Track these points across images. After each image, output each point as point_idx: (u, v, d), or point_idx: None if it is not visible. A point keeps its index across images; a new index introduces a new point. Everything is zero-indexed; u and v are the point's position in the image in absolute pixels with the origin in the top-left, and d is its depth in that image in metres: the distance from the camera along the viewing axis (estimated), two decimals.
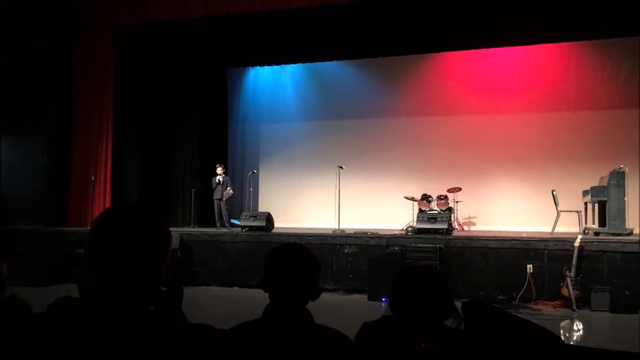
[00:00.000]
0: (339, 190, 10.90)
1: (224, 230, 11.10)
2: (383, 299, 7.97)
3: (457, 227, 11.62)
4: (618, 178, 8.82)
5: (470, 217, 12.50)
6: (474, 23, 10.34)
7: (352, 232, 9.94)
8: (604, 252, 7.92)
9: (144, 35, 11.93)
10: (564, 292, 7.75)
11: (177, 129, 13.23)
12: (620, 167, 9.00)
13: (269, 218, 10.70)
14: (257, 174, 13.67)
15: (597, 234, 8.86)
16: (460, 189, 12.05)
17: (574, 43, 11.69)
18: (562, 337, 6.30)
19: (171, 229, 1.39)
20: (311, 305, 1.92)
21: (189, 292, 1.49)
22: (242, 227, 10.62)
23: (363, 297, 8.55)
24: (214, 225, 11.53)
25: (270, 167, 14.21)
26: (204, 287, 9.51)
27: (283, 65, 13.74)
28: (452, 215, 11.31)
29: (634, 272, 7.62)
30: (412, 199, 11.92)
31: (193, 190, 12.36)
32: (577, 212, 9.97)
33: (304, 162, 13.81)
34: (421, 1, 10.29)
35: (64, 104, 12.07)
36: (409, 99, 13.25)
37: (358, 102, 13.52)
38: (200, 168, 13.00)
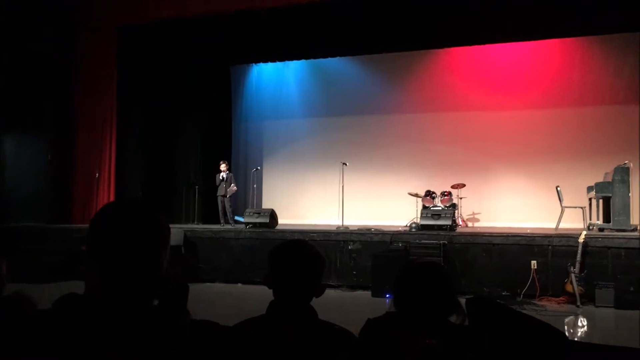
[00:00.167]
0: (343, 186, 10.90)
1: (228, 226, 11.11)
2: (387, 296, 7.94)
3: (461, 223, 11.61)
4: (622, 174, 8.80)
5: (474, 214, 12.48)
6: (477, 19, 10.31)
7: (356, 228, 9.95)
8: (609, 248, 7.91)
9: (146, 34, 11.95)
10: (568, 288, 7.74)
11: (180, 127, 13.25)
12: (625, 163, 8.98)
13: (272, 215, 10.70)
14: (261, 170, 13.69)
15: (601, 229, 8.84)
16: (464, 185, 12.03)
17: (577, 39, 11.65)
18: (566, 333, 6.29)
19: (175, 225, 1.39)
20: (315, 302, 1.92)
21: (193, 288, 1.48)
22: (246, 223, 10.63)
23: (367, 294, 8.56)
24: (218, 222, 11.54)
25: (274, 163, 14.22)
26: (208, 283, 9.53)
27: (286, 62, 13.74)
28: (456, 211, 11.29)
29: (638, 268, 7.61)
30: (416, 195, 11.91)
31: (197, 187, 12.41)
32: (582, 208, 9.95)
33: (308, 159, 13.81)
34: None
35: (67, 102, 12.12)
36: (413, 95, 13.22)
37: (361, 98, 13.50)
38: (204, 165, 13.03)
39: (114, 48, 11.94)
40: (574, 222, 9.97)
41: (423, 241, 8.79)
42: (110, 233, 1.30)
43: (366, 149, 13.15)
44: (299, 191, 13.72)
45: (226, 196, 11.52)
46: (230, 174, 11.81)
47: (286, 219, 12.06)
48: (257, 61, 13.40)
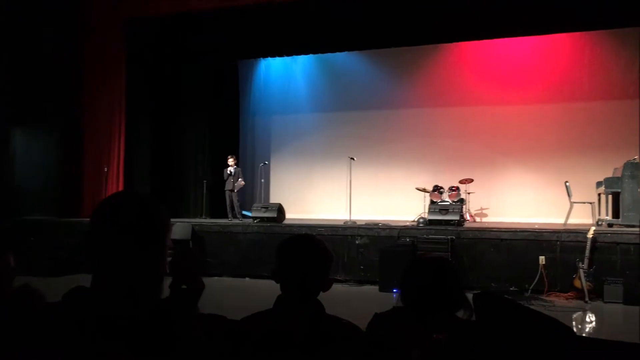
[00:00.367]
0: (351, 181, 10.90)
1: (236, 221, 11.14)
2: (394, 290, 7.95)
3: (468, 218, 11.58)
4: (632, 169, 8.74)
5: (482, 209, 12.45)
6: (485, 13, 10.23)
7: (364, 223, 9.94)
8: (617, 243, 7.86)
9: (154, 29, 11.94)
10: (577, 283, 7.71)
11: (188, 121, 13.30)
12: (635, 158, 8.91)
13: (280, 209, 10.71)
14: (269, 165, 13.71)
15: (610, 225, 8.79)
16: (472, 180, 12.00)
17: (587, 33, 11.55)
18: (575, 329, 6.27)
19: (183, 220, 1.40)
20: (322, 296, 1.92)
21: None
22: (254, 218, 10.65)
23: (374, 288, 8.56)
24: (226, 217, 11.57)
25: (282, 158, 14.23)
26: (216, 277, 9.55)
27: (294, 57, 13.72)
28: (464, 206, 11.27)
29: None
30: (424, 190, 11.89)
31: (205, 181, 12.45)
32: (590, 203, 9.89)
33: (315, 154, 13.81)
34: None
35: (77, 97, 12.15)
36: (420, 90, 13.18)
37: (369, 93, 13.48)
38: (212, 160, 13.08)
39: (122, 43, 11.97)
40: (582, 217, 9.92)
41: (431, 236, 8.77)
42: (108, 226, 1.31)
43: (374, 144, 13.13)
44: (306, 186, 13.73)
45: (234, 191, 11.55)
46: (238, 169, 11.83)
47: (294, 214, 12.08)
48: (265, 55, 13.37)
